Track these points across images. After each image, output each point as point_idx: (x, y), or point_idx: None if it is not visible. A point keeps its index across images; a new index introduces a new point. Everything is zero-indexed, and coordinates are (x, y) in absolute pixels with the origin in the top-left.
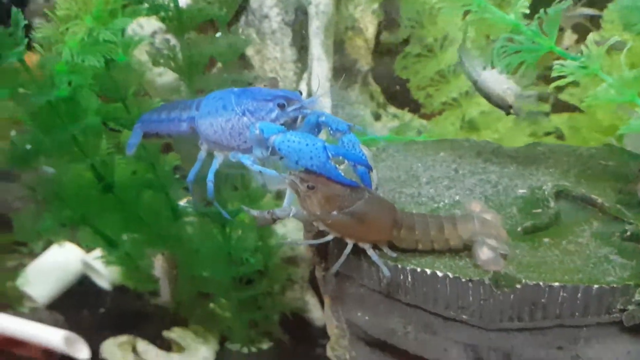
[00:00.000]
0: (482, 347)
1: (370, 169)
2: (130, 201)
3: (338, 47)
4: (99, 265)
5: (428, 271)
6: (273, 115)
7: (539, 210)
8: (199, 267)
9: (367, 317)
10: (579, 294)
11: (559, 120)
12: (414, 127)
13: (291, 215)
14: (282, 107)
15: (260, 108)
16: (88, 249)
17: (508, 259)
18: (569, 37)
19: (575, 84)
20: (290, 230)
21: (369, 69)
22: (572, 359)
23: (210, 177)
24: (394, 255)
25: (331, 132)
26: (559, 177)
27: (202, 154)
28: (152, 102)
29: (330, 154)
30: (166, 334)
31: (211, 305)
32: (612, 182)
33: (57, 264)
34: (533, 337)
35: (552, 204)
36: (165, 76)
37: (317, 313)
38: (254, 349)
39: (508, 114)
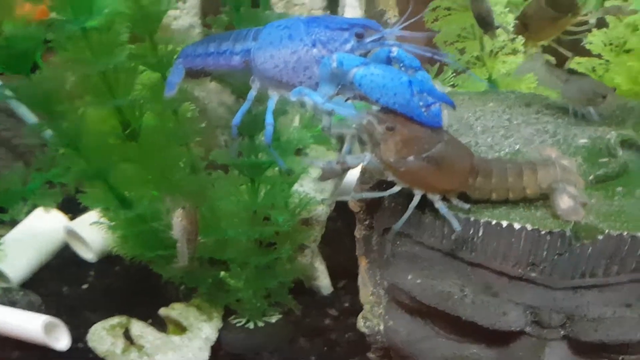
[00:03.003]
0: (544, 309)
1: (454, 107)
2: (154, 152)
3: None
4: (86, 232)
5: (504, 223)
6: (348, 46)
7: (606, 160)
8: (221, 227)
9: (418, 280)
10: None
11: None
12: (443, 83)
13: (366, 162)
14: (360, 37)
15: (334, 38)
16: (72, 215)
17: (586, 209)
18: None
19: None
20: (307, 190)
21: (396, 21)
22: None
23: (270, 119)
24: (467, 206)
25: (403, 69)
26: (616, 128)
27: (253, 93)
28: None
29: (415, 90)
30: (164, 311)
31: (222, 273)
32: None
33: (36, 235)
34: (601, 295)
35: (619, 152)
36: (181, 20)
37: (324, 281)
38: (260, 324)
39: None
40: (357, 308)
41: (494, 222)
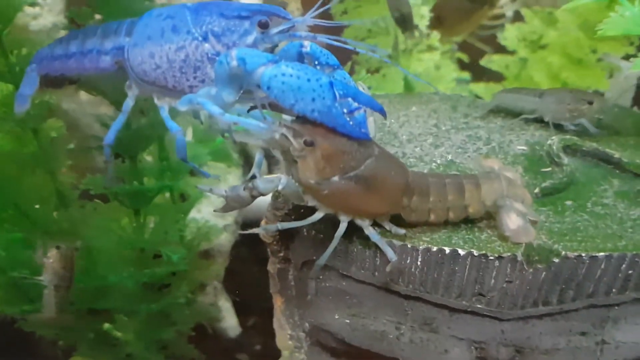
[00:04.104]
0: (490, 343)
1: (384, 115)
2: (6, 183)
3: None
4: None
5: (447, 250)
6: (250, 39)
7: (549, 169)
8: (99, 272)
9: (347, 320)
10: (624, 265)
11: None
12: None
13: (281, 186)
14: (264, 27)
15: (231, 29)
16: None
17: (537, 228)
18: None
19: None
20: (205, 216)
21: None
22: (596, 344)
23: (174, 126)
24: (402, 232)
25: (319, 66)
26: (555, 131)
27: (129, 102)
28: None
29: (338, 94)
30: None
31: (105, 325)
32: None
33: None
34: (554, 324)
35: (565, 160)
36: (42, 19)
37: (231, 321)
38: None
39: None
40: (270, 350)
41: (434, 248)
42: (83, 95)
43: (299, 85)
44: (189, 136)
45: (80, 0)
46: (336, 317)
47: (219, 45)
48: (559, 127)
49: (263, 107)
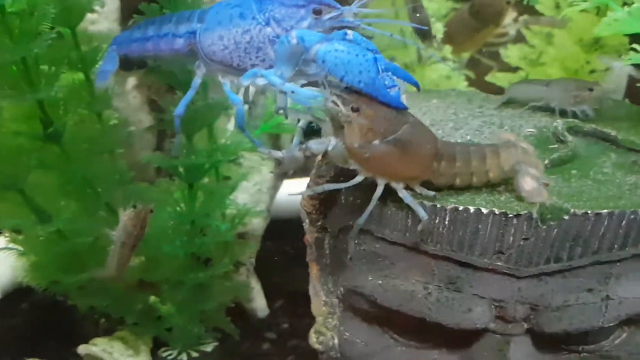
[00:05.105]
0: (509, 302)
1: (418, 87)
2: (78, 157)
3: None
4: None
5: (471, 209)
6: (305, 24)
7: (555, 146)
8: (153, 243)
9: (379, 281)
10: (624, 222)
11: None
12: None
13: (331, 146)
14: (318, 13)
15: (290, 15)
16: None
17: (548, 190)
18: (510, 15)
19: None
20: (242, 201)
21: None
22: (601, 300)
23: (236, 98)
24: (432, 194)
25: None
26: (559, 117)
27: (197, 80)
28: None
29: (380, 68)
30: (84, 349)
31: (152, 298)
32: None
33: None
34: (564, 281)
35: (569, 138)
36: (99, 24)
37: (260, 302)
38: (195, 354)
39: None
40: (296, 330)
41: (461, 208)
42: (134, 97)
43: (348, 59)
44: (230, 126)
45: (131, 11)
46: (369, 278)
47: (279, 29)
48: (563, 114)
49: (314, 84)
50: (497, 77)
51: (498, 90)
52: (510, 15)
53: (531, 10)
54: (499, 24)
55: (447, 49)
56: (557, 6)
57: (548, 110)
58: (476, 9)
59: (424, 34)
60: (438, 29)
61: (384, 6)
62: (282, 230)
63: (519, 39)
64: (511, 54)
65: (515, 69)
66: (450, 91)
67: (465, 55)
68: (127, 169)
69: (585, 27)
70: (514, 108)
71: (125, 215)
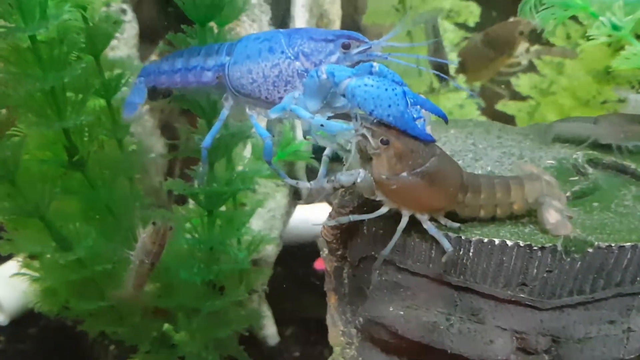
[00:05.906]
0: (530, 333)
1: (446, 120)
2: (100, 184)
3: None
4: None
5: (496, 241)
6: (333, 58)
7: (576, 178)
8: (170, 269)
9: (401, 312)
10: None
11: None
12: None
13: (360, 179)
14: (347, 47)
15: (319, 49)
16: None
17: (572, 223)
18: (522, 45)
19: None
20: (256, 228)
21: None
22: (623, 332)
23: (265, 132)
24: (457, 225)
25: None
26: (576, 149)
27: (225, 112)
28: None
29: (409, 102)
30: None
31: (165, 326)
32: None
33: None
34: (586, 313)
35: (589, 170)
36: (118, 50)
37: (271, 329)
38: None
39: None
40: (308, 358)
41: (485, 240)
42: (147, 121)
43: (378, 93)
44: (247, 152)
45: (148, 37)
46: (391, 309)
47: (308, 63)
48: (619, 150)
49: (343, 116)
50: (507, 106)
51: (508, 119)
52: (523, 45)
53: (543, 41)
54: (512, 54)
55: (461, 79)
56: (569, 37)
57: (597, 147)
58: (490, 39)
59: (441, 67)
60: (452, 58)
61: (403, 40)
62: (293, 255)
63: (530, 68)
64: (522, 83)
65: (525, 98)
66: (468, 121)
67: (477, 84)
68: (143, 194)
69: (597, 57)
70: (532, 140)
71: (145, 233)
